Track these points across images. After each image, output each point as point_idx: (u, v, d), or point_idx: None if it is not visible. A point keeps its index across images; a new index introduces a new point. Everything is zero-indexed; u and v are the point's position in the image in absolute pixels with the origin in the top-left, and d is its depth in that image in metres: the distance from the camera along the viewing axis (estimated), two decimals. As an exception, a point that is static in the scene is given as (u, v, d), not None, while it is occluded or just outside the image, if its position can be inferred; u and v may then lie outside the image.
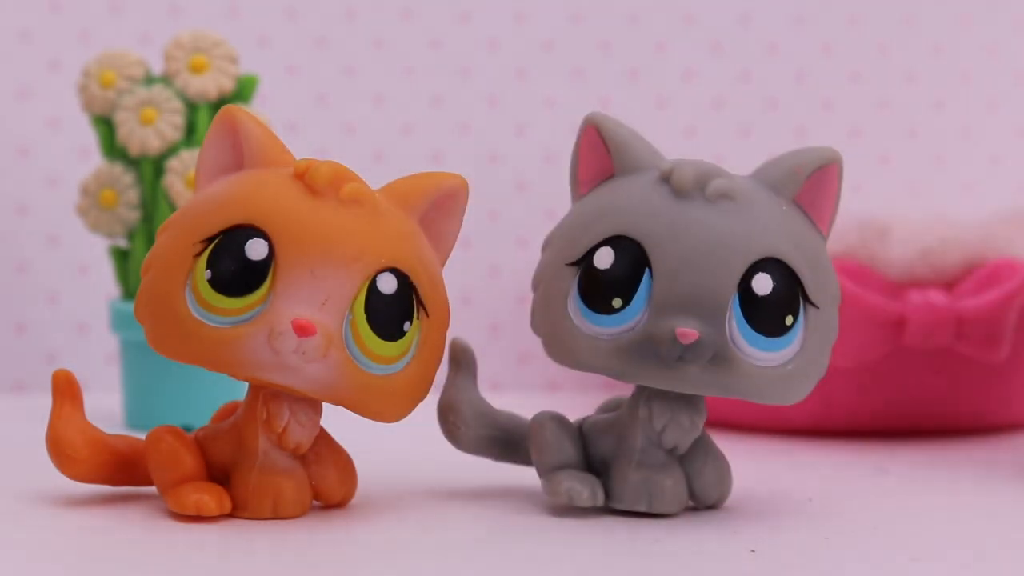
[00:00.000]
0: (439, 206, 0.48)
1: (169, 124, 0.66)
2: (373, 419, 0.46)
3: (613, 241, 0.47)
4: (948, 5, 0.91)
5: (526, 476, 0.52)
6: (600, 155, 0.49)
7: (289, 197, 0.45)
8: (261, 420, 0.46)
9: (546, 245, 0.49)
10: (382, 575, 0.41)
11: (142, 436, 0.48)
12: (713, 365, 0.46)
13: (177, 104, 0.66)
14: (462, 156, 0.86)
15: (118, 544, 0.43)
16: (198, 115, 0.67)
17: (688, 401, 0.48)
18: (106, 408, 0.69)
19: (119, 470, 0.48)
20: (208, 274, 0.44)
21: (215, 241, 0.44)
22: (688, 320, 0.45)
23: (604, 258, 0.47)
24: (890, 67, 0.91)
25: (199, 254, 0.44)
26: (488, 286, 0.87)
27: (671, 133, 0.87)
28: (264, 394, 0.46)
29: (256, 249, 0.44)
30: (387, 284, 0.45)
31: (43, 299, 0.83)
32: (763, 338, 0.46)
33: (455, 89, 0.87)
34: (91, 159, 0.74)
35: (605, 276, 0.47)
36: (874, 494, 0.55)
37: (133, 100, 0.66)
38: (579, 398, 0.76)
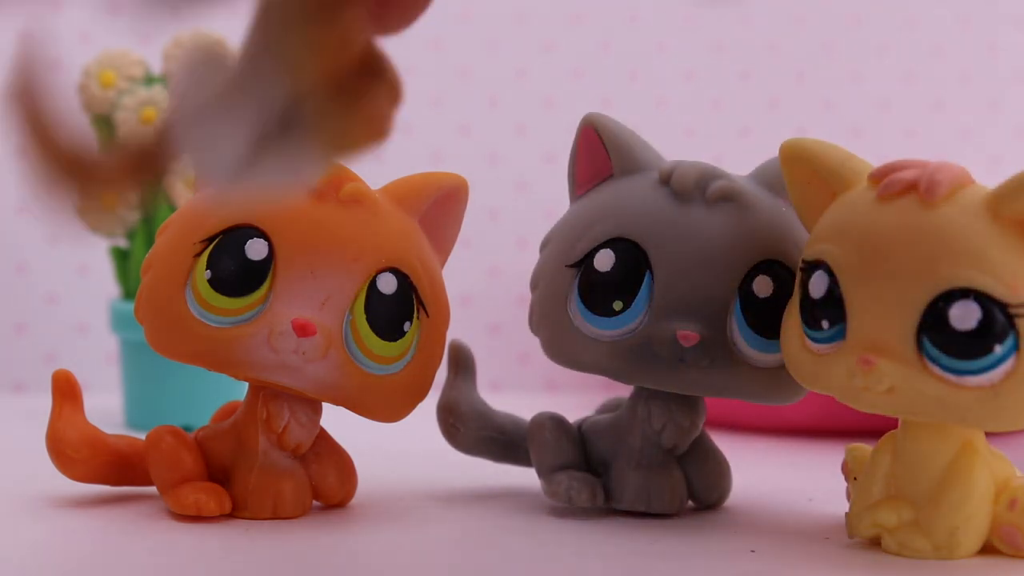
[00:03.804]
0: (439, 206, 0.48)
1: (169, 124, 0.66)
2: (373, 419, 0.46)
3: (613, 243, 0.47)
4: (948, 5, 0.91)
5: (526, 476, 0.52)
6: (598, 156, 0.49)
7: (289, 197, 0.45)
8: (261, 420, 0.46)
9: (544, 245, 0.49)
10: (382, 575, 0.41)
11: (142, 436, 0.48)
12: (714, 366, 0.46)
13: (177, 104, 0.66)
14: (462, 156, 0.86)
15: (118, 544, 0.43)
16: (198, 115, 0.67)
17: (687, 401, 0.48)
18: (106, 408, 0.69)
19: (119, 470, 0.48)
20: (208, 274, 0.44)
21: (215, 241, 0.44)
22: (689, 322, 0.45)
23: (604, 260, 0.47)
24: (890, 67, 0.91)
25: (199, 254, 0.44)
26: (488, 286, 0.87)
27: (671, 133, 0.87)
28: (264, 394, 0.46)
29: (256, 249, 0.44)
30: (387, 284, 0.45)
31: (43, 299, 0.84)
32: (763, 340, 0.46)
33: (455, 89, 0.87)
34: (91, 159, 0.74)
35: (606, 279, 0.47)
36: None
37: (133, 100, 0.66)
38: (579, 398, 0.76)
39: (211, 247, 0.44)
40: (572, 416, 0.51)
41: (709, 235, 0.46)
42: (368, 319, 0.45)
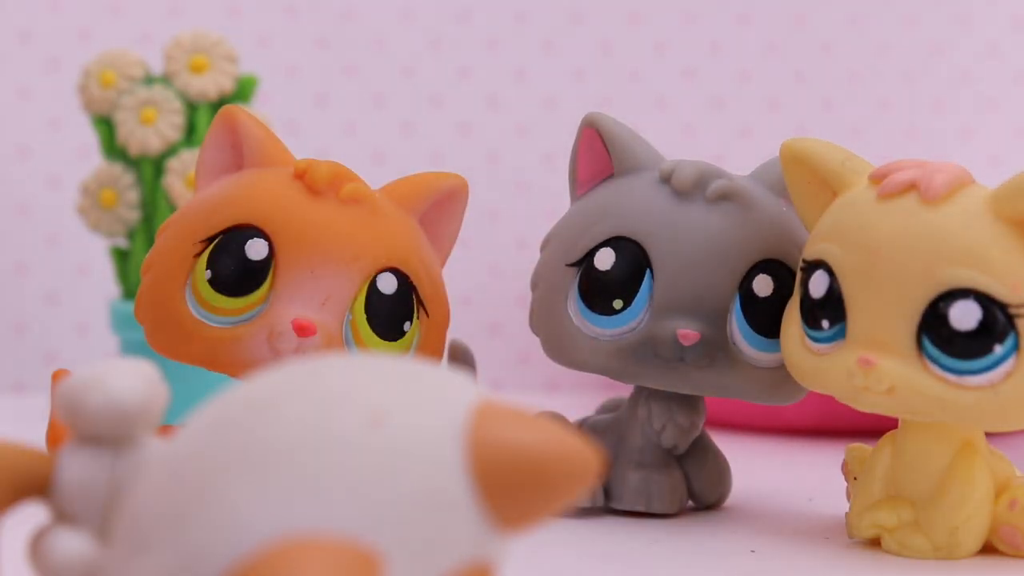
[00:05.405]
0: (439, 206, 0.48)
1: (169, 124, 0.66)
2: (373, 419, 0.46)
3: (614, 242, 0.47)
4: (948, 5, 0.91)
5: (526, 476, 0.52)
6: (599, 155, 0.49)
7: (289, 197, 0.45)
8: (261, 420, 0.46)
9: (545, 245, 0.49)
10: (382, 575, 0.41)
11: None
12: (714, 366, 0.46)
13: (177, 104, 0.66)
14: (462, 156, 0.86)
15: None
16: (198, 115, 0.67)
17: (687, 401, 0.48)
18: (106, 408, 0.69)
19: (119, 470, 0.48)
20: (208, 274, 0.44)
21: (215, 241, 0.44)
22: (689, 321, 0.46)
23: (605, 259, 0.47)
24: (890, 67, 0.91)
25: (199, 254, 0.44)
26: (488, 286, 0.87)
27: (671, 133, 0.87)
28: (264, 394, 0.46)
29: (256, 249, 0.44)
30: (387, 284, 0.45)
31: (43, 299, 0.84)
32: (763, 339, 0.46)
33: (455, 89, 0.87)
34: (91, 159, 0.74)
35: (606, 277, 0.47)
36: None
37: (133, 100, 0.66)
38: (579, 398, 0.76)
39: (211, 247, 0.44)
40: (572, 416, 0.51)
41: (709, 234, 0.46)
42: (368, 319, 0.45)
